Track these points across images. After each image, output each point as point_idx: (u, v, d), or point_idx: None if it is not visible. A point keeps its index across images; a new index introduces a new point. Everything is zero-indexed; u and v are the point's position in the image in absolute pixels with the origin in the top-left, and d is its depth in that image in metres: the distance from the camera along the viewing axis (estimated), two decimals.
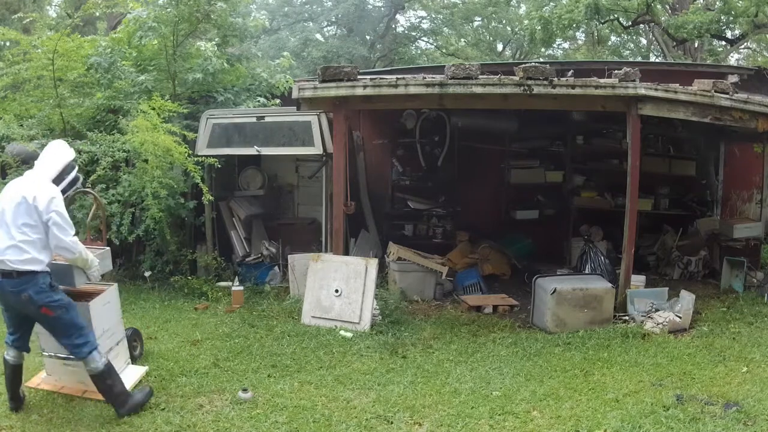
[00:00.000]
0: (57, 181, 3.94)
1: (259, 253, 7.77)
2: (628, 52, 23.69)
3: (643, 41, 23.86)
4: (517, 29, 25.13)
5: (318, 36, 25.33)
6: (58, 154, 4.08)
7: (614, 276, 6.68)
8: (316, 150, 7.20)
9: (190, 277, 7.09)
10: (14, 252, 3.69)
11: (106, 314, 4.27)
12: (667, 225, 8.59)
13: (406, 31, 28.40)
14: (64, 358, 4.19)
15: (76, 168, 4.16)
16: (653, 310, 5.91)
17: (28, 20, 9.24)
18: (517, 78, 5.88)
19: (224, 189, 7.91)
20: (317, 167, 7.73)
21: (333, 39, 25.69)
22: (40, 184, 3.84)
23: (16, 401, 4.03)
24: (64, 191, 3.93)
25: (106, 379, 3.91)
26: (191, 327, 5.85)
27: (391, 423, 3.94)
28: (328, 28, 27.05)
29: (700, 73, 8.57)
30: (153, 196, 6.45)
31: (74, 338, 3.84)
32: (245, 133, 7.35)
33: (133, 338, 4.83)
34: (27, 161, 7.38)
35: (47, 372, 4.35)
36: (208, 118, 7.36)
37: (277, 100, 8.68)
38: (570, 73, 6.42)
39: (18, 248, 3.69)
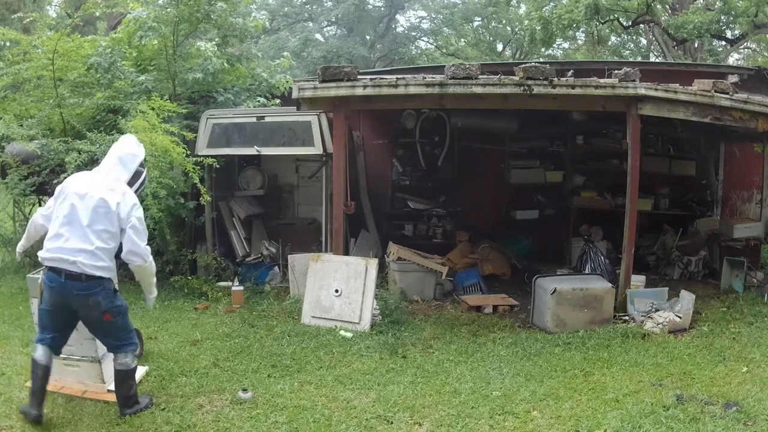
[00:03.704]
0: (131, 182, 3.87)
1: (259, 253, 7.77)
2: (628, 52, 23.71)
3: (643, 41, 23.87)
4: (517, 29, 25.15)
5: (318, 36, 25.37)
6: (132, 153, 3.94)
7: (614, 276, 6.68)
8: (316, 150, 7.20)
9: (190, 277, 7.08)
10: (88, 257, 3.61)
11: None
12: (667, 225, 8.58)
13: (406, 31, 28.45)
14: (64, 358, 4.19)
15: (145, 166, 4.08)
16: (653, 310, 5.91)
17: (28, 20, 9.23)
18: (517, 78, 5.87)
19: (224, 189, 7.91)
20: (317, 167, 7.73)
21: (333, 39, 25.74)
22: (121, 189, 3.75)
23: (40, 409, 3.75)
24: (136, 192, 3.89)
25: (131, 378, 3.91)
26: (191, 327, 5.85)
27: (391, 423, 3.94)
28: (328, 28, 27.08)
29: (700, 73, 8.58)
30: (152, 197, 6.45)
31: (122, 339, 3.85)
32: (245, 133, 7.35)
33: None
34: (27, 161, 7.39)
35: None
36: (208, 118, 7.36)
37: (277, 100, 8.68)
38: (570, 73, 6.42)
39: (93, 254, 3.62)
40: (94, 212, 3.63)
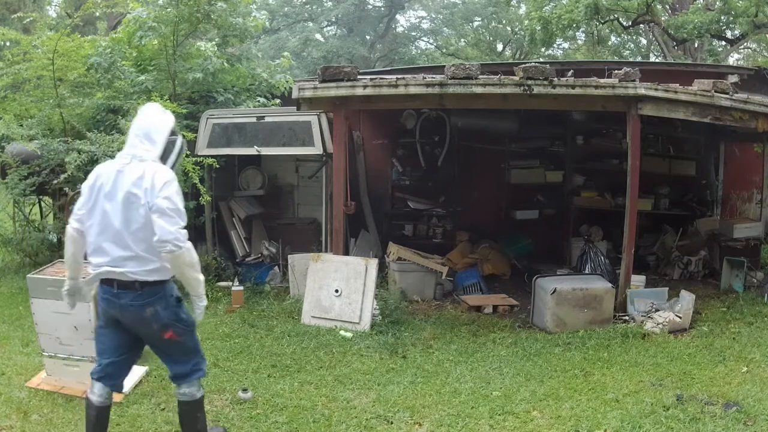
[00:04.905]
0: (164, 157, 3.24)
1: (259, 253, 7.77)
2: (628, 52, 23.73)
3: (643, 41, 23.89)
4: (517, 29, 25.20)
5: (318, 36, 25.40)
6: (156, 123, 3.28)
7: (614, 276, 6.68)
8: (316, 150, 7.20)
9: None
10: (135, 263, 3.09)
11: None
12: (667, 225, 8.58)
13: (406, 31, 28.51)
14: (64, 358, 4.19)
15: (178, 132, 3.42)
16: (653, 310, 5.91)
17: (28, 20, 9.24)
18: (517, 78, 5.87)
19: (224, 189, 7.91)
20: (317, 167, 7.73)
21: (333, 39, 25.78)
22: (151, 170, 3.11)
23: None
24: (173, 167, 3.27)
25: (197, 410, 3.37)
26: None
27: (391, 423, 3.94)
28: (328, 28, 27.12)
29: (700, 73, 8.57)
30: None
31: (190, 364, 3.31)
32: (245, 133, 7.35)
33: None
34: (27, 161, 7.39)
35: (47, 372, 4.35)
36: (208, 118, 7.36)
37: (277, 100, 8.68)
38: (570, 73, 6.41)
39: (139, 259, 3.09)
40: (126, 211, 3.08)
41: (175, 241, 3.01)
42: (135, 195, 3.06)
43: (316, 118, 7.11)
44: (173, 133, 3.33)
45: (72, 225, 3.26)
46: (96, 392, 3.24)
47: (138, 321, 3.17)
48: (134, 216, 3.07)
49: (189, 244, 3.10)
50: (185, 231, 3.08)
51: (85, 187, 3.25)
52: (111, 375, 3.27)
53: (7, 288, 7.00)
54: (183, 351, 3.30)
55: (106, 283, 3.16)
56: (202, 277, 3.28)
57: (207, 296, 6.81)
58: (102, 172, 3.21)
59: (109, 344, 3.27)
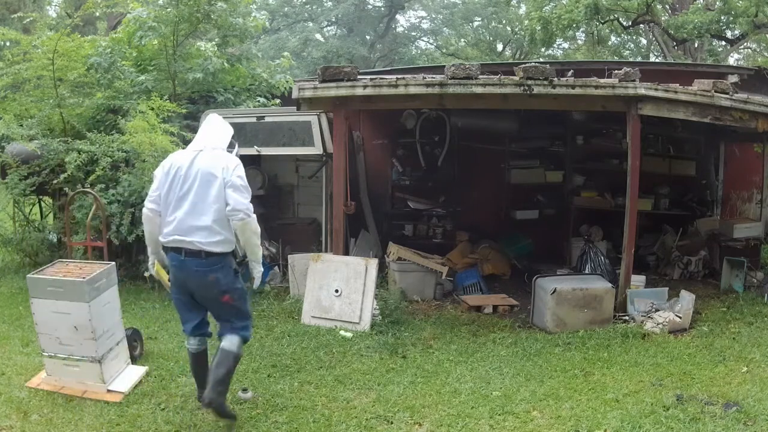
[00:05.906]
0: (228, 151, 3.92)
1: None
2: (628, 52, 23.71)
3: (643, 41, 23.87)
4: (517, 29, 25.17)
5: (318, 36, 25.38)
6: (225, 127, 4.01)
7: (614, 276, 6.68)
8: (316, 150, 7.19)
9: None
10: (204, 234, 3.61)
11: (106, 314, 4.27)
12: (667, 225, 8.58)
13: (406, 31, 28.50)
14: (64, 358, 4.19)
15: (235, 144, 4.09)
16: (653, 310, 5.91)
17: (28, 20, 9.24)
18: (517, 78, 5.87)
19: None
20: (317, 167, 7.73)
21: (333, 39, 25.76)
22: (224, 155, 3.79)
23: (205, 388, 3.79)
24: None
25: (231, 361, 3.73)
26: None
27: (391, 423, 3.95)
28: (328, 28, 27.11)
29: (700, 73, 8.57)
30: None
31: (237, 323, 3.81)
32: (245, 133, 7.33)
33: (133, 338, 4.83)
34: (27, 161, 7.39)
35: (47, 372, 4.35)
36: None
37: (277, 100, 8.69)
38: (570, 73, 6.41)
39: (209, 230, 3.61)
40: (203, 187, 3.64)
41: (246, 210, 3.64)
42: (212, 174, 3.65)
43: (316, 118, 7.11)
44: (231, 144, 3.99)
45: (147, 206, 3.81)
46: (192, 343, 3.88)
47: (202, 285, 3.69)
48: (209, 191, 3.63)
49: (255, 216, 3.71)
50: (251, 205, 3.69)
51: (158, 173, 3.80)
52: (198, 328, 3.88)
53: (7, 288, 7.00)
54: (237, 314, 3.81)
55: (175, 251, 3.68)
56: (260, 248, 3.87)
57: None
58: (176, 159, 3.78)
59: (186, 309, 3.84)
